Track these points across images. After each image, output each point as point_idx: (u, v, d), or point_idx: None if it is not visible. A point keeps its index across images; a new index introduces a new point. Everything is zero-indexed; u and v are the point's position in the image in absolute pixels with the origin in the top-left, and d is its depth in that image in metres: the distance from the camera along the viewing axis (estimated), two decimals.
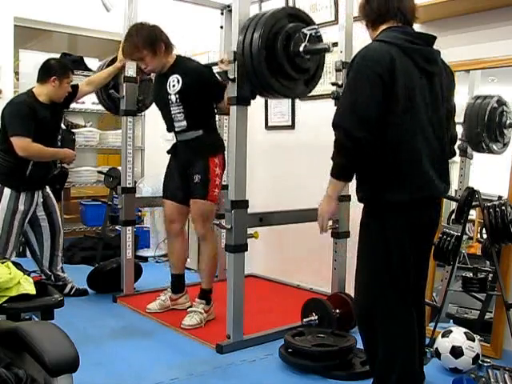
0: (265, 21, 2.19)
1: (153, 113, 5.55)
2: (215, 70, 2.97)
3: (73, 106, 5.33)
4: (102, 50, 5.82)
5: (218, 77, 3.08)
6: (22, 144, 3.19)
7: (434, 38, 1.91)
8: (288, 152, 3.70)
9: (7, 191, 3.29)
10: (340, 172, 1.86)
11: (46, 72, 3.38)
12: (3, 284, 2.07)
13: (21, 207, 3.32)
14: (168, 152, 3.34)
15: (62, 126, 5.09)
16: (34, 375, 1.44)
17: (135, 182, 4.01)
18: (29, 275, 2.23)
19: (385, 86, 1.72)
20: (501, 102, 2.89)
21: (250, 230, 2.85)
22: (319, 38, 2.40)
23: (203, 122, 3.13)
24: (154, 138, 5.44)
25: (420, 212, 1.89)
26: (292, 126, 4.08)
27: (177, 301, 3.46)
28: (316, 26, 2.36)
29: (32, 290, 2.14)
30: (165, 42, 3.01)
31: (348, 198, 3.26)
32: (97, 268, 3.90)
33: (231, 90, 2.75)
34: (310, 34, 2.25)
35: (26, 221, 3.42)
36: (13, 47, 4.99)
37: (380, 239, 1.89)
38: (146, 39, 2.98)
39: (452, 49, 2.96)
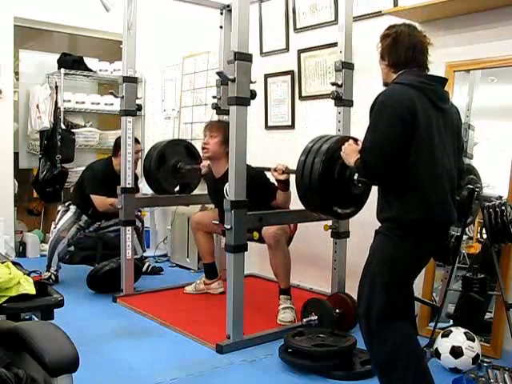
0: (326, 149, 2.49)
1: (152, 113, 5.59)
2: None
3: (73, 106, 5.39)
4: (102, 50, 5.83)
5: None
6: (99, 201, 4.04)
7: (446, 80, 2.17)
8: (288, 152, 3.69)
9: (73, 207, 4.20)
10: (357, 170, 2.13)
11: (116, 147, 4.03)
12: (3, 284, 2.07)
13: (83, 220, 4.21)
14: None
15: (62, 125, 5.12)
16: (34, 375, 1.43)
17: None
18: (29, 275, 2.22)
19: (405, 124, 1.93)
20: None
21: None
22: None
23: None
24: (153, 139, 5.44)
25: (436, 236, 2.07)
26: (292, 126, 4.08)
27: (210, 285, 3.81)
28: None
29: (32, 290, 2.13)
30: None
31: None
32: (96, 268, 3.89)
33: (231, 90, 2.75)
34: None
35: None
36: (13, 47, 4.99)
37: (390, 257, 2.02)
38: (226, 130, 3.23)
39: (452, 49, 2.96)
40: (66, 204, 4.27)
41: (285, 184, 3.10)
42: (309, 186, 2.48)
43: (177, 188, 4.17)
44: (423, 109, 1.96)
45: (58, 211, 4.28)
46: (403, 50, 2.05)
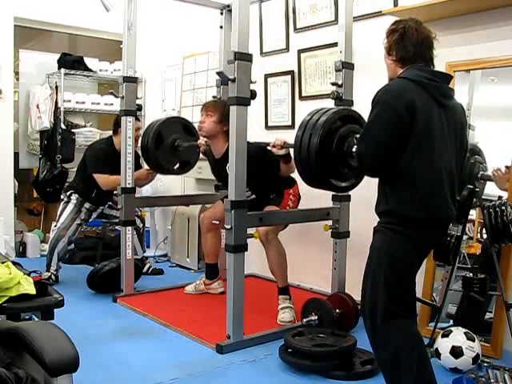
0: (323, 123, 2.45)
1: (152, 113, 5.59)
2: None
3: (73, 106, 5.39)
4: (102, 50, 5.83)
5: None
6: (102, 179, 4.03)
7: (451, 77, 2.18)
8: None
9: (74, 197, 4.21)
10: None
11: (116, 125, 4.02)
12: (3, 284, 2.07)
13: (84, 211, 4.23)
14: None
15: (62, 125, 5.12)
16: (34, 375, 1.44)
17: None
18: (29, 275, 2.22)
19: (401, 120, 1.93)
20: None
21: (250, 230, 2.85)
22: None
23: (271, 189, 3.35)
24: None
25: (433, 231, 2.05)
26: (292, 126, 4.08)
27: (210, 285, 3.82)
28: None
29: (32, 290, 2.14)
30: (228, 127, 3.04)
31: (348, 198, 3.26)
32: (96, 268, 3.89)
33: (231, 90, 2.75)
34: None
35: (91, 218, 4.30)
36: (13, 47, 4.99)
37: (388, 253, 2.01)
38: (224, 110, 3.25)
39: (452, 49, 2.96)
40: (68, 193, 4.25)
41: (286, 157, 3.07)
42: (307, 161, 2.46)
43: (176, 166, 4.10)
44: (424, 105, 1.95)
45: (62, 200, 4.29)
46: (411, 45, 2.05)
